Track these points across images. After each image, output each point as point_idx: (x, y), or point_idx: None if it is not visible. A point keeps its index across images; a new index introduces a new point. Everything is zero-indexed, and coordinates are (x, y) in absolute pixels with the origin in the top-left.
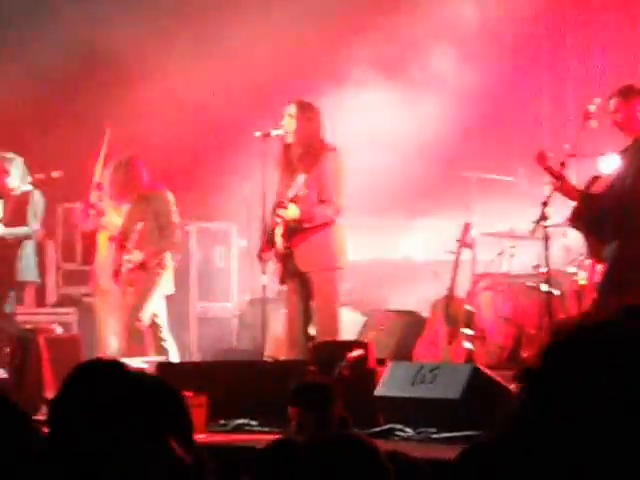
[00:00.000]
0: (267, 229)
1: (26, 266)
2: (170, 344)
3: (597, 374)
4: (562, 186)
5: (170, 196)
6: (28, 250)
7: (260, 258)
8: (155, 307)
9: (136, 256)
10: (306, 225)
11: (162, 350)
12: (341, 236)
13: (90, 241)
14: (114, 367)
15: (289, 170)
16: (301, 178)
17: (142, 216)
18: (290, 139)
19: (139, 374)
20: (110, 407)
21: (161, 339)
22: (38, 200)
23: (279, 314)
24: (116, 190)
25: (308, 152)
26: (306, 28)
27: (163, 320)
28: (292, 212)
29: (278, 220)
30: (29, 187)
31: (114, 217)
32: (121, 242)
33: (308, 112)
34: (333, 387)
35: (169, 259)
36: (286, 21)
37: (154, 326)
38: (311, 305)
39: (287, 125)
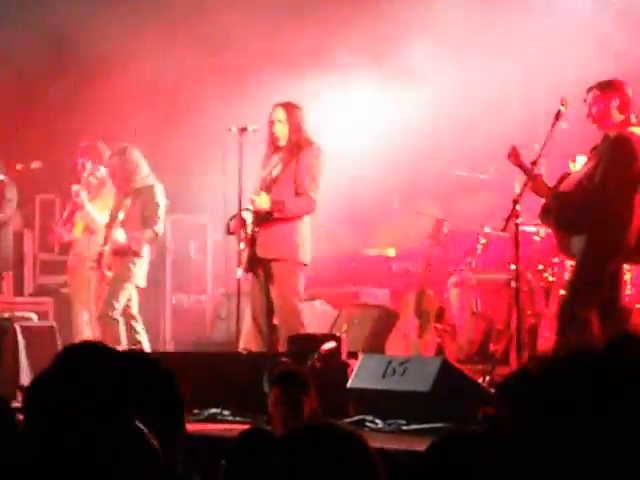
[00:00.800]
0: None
1: None
2: (142, 335)
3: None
4: (533, 183)
5: (160, 190)
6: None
7: (229, 232)
8: (129, 297)
9: (119, 235)
10: (276, 215)
11: (135, 340)
12: (305, 233)
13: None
14: (100, 350)
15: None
16: (274, 159)
17: (127, 206)
18: (283, 143)
19: (135, 355)
20: (94, 390)
21: (134, 329)
22: (11, 190)
23: None
24: (114, 180)
25: (291, 149)
26: (284, 14)
27: (135, 311)
28: (263, 201)
29: (250, 207)
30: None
31: (92, 211)
32: (108, 226)
33: (295, 113)
34: (310, 377)
35: (147, 251)
36: (262, 7)
37: (128, 316)
38: (272, 296)
39: (278, 131)
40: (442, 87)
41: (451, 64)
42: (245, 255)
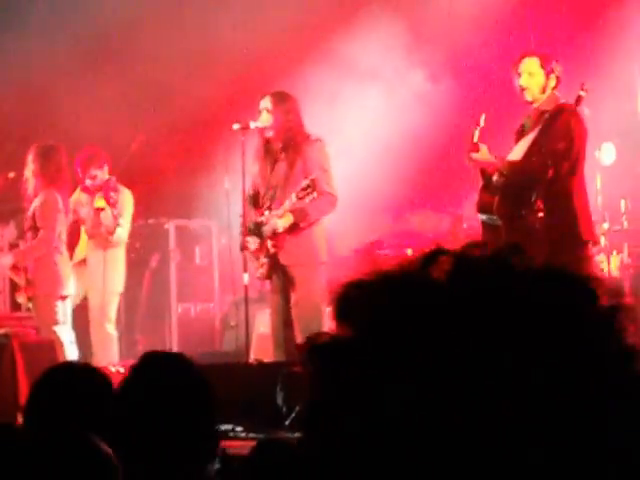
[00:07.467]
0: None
1: None
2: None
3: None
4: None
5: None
6: None
7: (243, 249)
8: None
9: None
10: (302, 225)
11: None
12: (322, 231)
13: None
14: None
15: (269, 164)
16: (304, 183)
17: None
18: (269, 133)
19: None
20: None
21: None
22: None
23: (264, 314)
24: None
25: (289, 145)
26: (290, 17)
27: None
28: (287, 220)
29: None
30: None
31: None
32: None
33: (285, 104)
34: None
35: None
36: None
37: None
38: (292, 302)
39: (264, 120)
40: (458, 80)
41: (466, 54)
42: (266, 264)
